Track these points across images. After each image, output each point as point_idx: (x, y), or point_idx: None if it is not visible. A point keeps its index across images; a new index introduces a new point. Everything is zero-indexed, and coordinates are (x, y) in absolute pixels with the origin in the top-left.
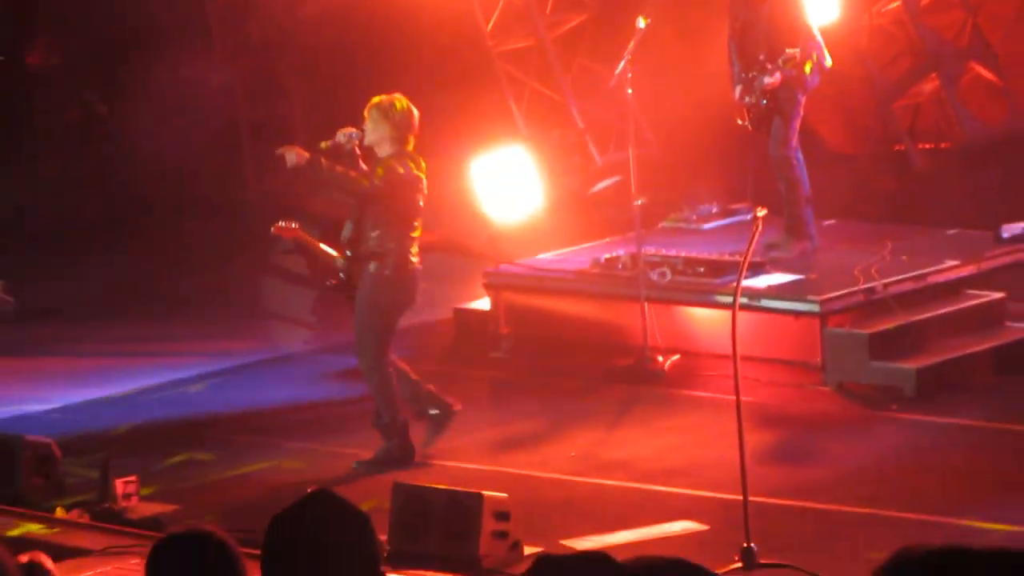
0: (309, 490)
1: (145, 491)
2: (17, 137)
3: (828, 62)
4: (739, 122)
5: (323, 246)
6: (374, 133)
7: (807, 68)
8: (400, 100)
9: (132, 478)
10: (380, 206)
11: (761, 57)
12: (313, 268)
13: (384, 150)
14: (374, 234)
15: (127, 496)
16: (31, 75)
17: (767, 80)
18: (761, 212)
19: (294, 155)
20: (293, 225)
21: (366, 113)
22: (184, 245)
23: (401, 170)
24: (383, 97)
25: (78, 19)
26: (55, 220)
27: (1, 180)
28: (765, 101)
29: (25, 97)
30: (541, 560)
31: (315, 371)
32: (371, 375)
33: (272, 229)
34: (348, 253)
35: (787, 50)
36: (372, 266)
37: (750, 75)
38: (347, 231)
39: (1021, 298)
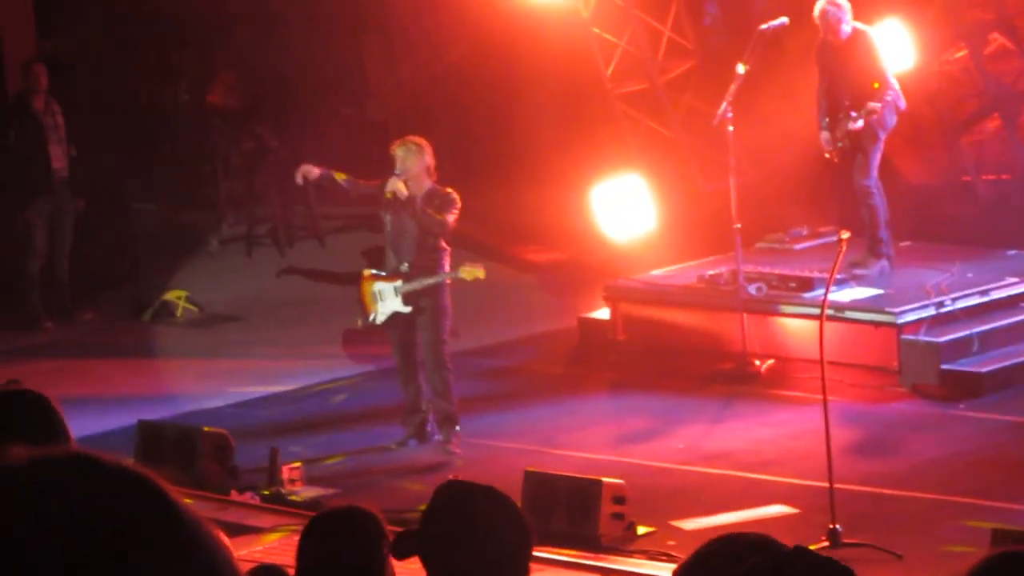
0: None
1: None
2: (199, 165)
3: (903, 104)
4: (826, 155)
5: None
6: (417, 165)
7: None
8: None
9: (297, 465)
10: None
11: (847, 103)
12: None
13: (424, 180)
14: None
15: (292, 481)
16: (211, 112)
17: (851, 126)
18: (845, 235)
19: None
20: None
21: (402, 151)
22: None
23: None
24: (409, 137)
25: (253, 65)
26: (233, 236)
27: (185, 202)
28: (840, 144)
29: (206, 131)
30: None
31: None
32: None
33: None
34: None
35: (869, 104)
36: (433, 280)
37: (839, 117)
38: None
39: None
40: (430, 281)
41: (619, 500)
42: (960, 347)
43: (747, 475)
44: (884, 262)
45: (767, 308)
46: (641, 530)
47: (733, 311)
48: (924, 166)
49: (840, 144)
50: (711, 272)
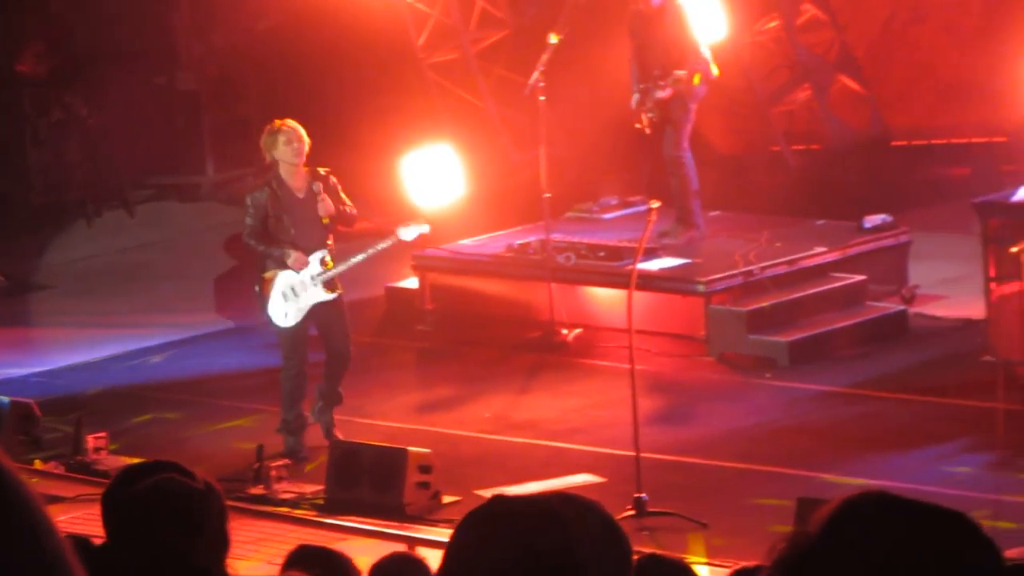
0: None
1: (113, 446)
2: (5, 134)
3: (715, 73)
4: (637, 126)
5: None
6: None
7: (696, 80)
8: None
9: (102, 434)
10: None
11: (655, 73)
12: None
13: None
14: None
15: (97, 450)
16: (19, 81)
17: (659, 94)
18: (655, 204)
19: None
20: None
21: (303, 134)
22: (150, 223)
23: None
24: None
25: (62, 34)
26: (41, 205)
27: None
28: (653, 114)
29: (15, 99)
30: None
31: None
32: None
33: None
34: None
35: (675, 72)
36: (365, 255)
37: (645, 86)
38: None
39: (879, 280)
40: (360, 258)
41: (425, 469)
42: (767, 316)
43: (553, 444)
44: (694, 231)
45: (576, 277)
46: (447, 499)
47: (542, 280)
48: (734, 136)
49: (650, 114)
50: (520, 241)
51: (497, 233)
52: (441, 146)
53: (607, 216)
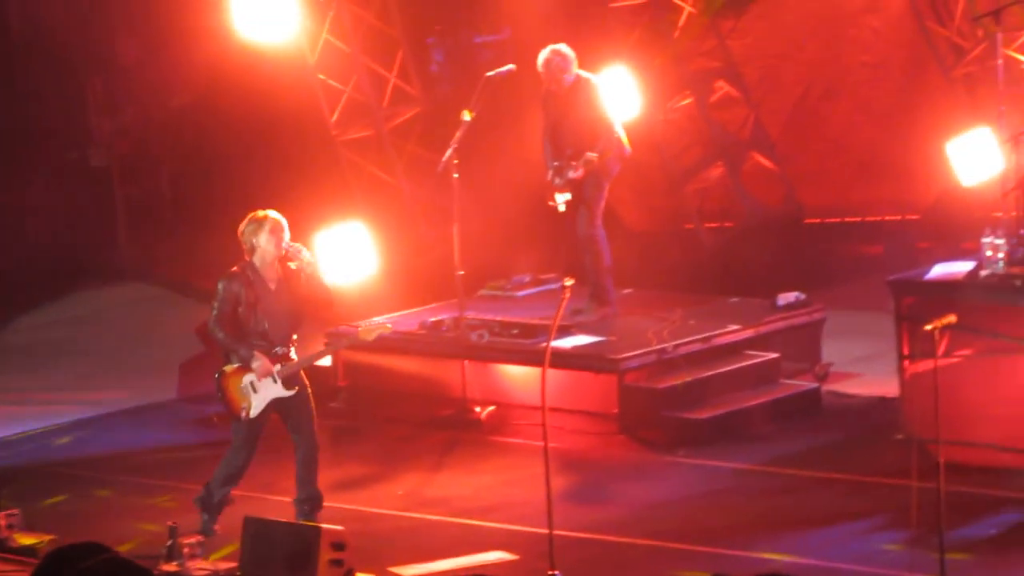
0: None
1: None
2: None
3: (628, 150)
4: (550, 204)
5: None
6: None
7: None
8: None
9: (15, 511)
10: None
11: (568, 152)
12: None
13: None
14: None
15: (10, 527)
16: None
17: (571, 174)
18: (569, 282)
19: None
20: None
21: (286, 226)
22: (64, 303)
23: None
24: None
25: None
26: None
27: None
28: (569, 196)
29: None
30: None
31: (176, 418)
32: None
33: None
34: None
35: (587, 154)
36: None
37: (559, 164)
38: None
39: (793, 358)
40: (320, 354)
41: (338, 546)
42: (681, 394)
43: (466, 521)
44: (608, 309)
45: (489, 355)
46: None
47: (455, 358)
48: (648, 214)
49: (566, 196)
50: (433, 319)
51: (410, 310)
52: (354, 223)
53: (520, 294)
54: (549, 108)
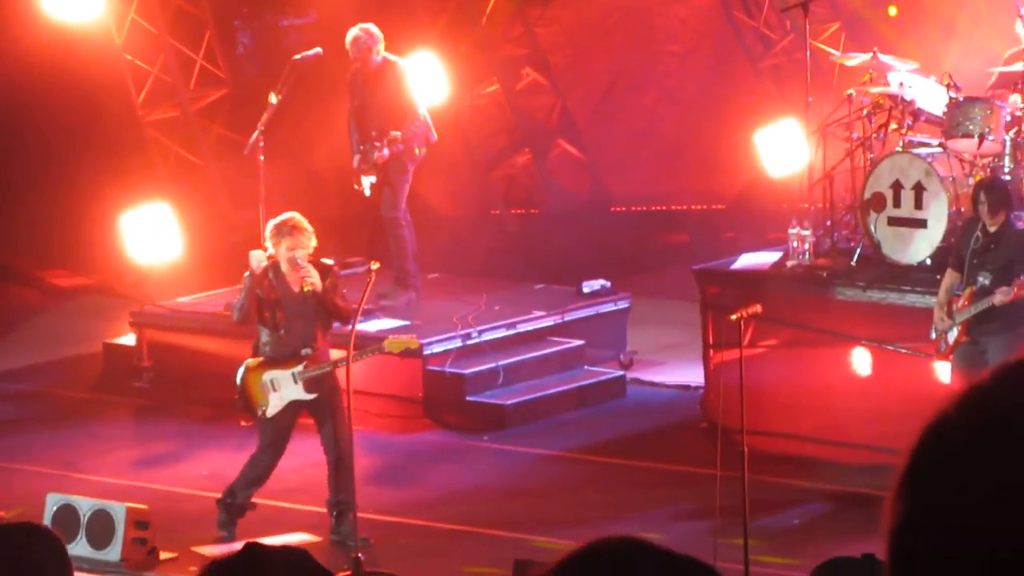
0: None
1: None
2: None
3: (433, 136)
4: (355, 187)
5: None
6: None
7: (416, 151)
8: None
9: None
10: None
11: (373, 133)
12: None
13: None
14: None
15: None
16: None
17: (376, 156)
18: (375, 265)
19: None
20: None
21: (307, 230)
22: None
23: None
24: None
25: None
26: None
27: None
28: (375, 178)
29: None
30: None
31: None
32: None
33: None
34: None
35: (391, 132)
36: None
37: (363, 148)
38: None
39: (598, 345)
40: (342, 361)
41: (142, 525)
42: (485, 379)
43: (271, 502)
44: (412, 293)
45: None
46: (164, 555)
47: None
48: (454, 199)
49: (371, 179)
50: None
51: (215, 291)
52: (159, 204)
53: None
54: (356, 90)
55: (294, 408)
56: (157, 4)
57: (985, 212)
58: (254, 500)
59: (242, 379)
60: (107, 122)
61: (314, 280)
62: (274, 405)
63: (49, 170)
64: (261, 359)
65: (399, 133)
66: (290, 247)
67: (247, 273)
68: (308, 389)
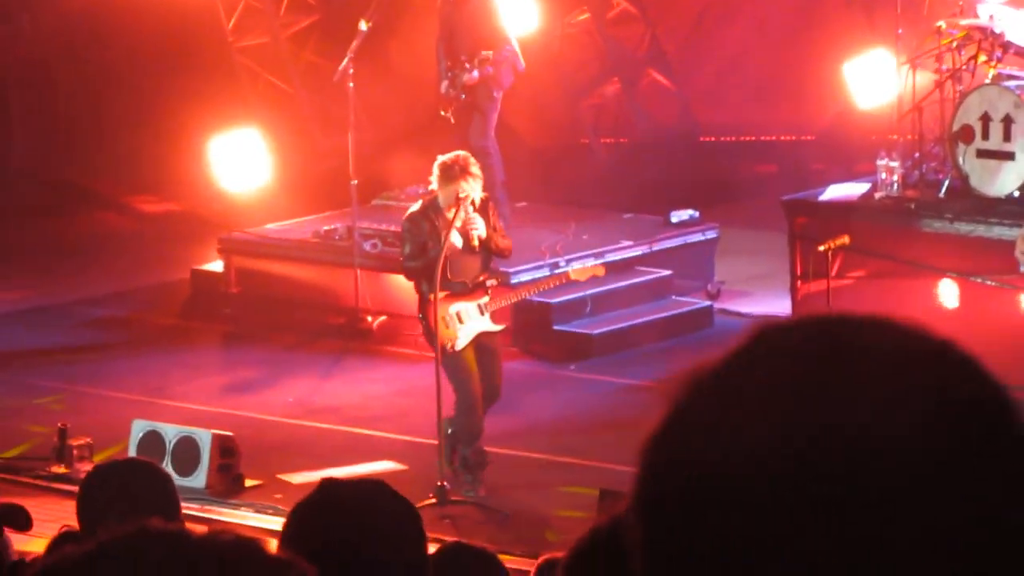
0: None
1: None
2: None
3: (522, 65)
4: (442, 113)
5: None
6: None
7: (508, 47)
8: None
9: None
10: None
11: (463, 58)
12: None
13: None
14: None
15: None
16: None
17: (466, 77)
18: (463, 194)
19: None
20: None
21: (476, 175)
22: None
23: None
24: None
25: None
26: None
27: None
28: (464, 96)
29: None
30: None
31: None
32: None
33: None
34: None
35: (482, 52)
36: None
37: (453, 72)
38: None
39: (686, 275)
40: (527, 292)
41: (227, 452)
42: (573, 308)
43: (356, 430)
44: (501, 222)
45: (382, 265)
46: (249, 483)
47: (347, 267)
48: (542, 128)
49: (463, 96)
50: (326, 227)
51: (303, 219)
52: (248, 130)
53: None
54: (446, 17)
55: (485, 339)
56: None
57: None
58: (485, 449)
59: (424, 315)
60: (197, 48)
61: (480, 231)
62: (464, 336)
63: (139, 96)
64: (444, 293)
65: (490, 53)
66: (441, 180)
67: (404, 223)
68: (495, 321)
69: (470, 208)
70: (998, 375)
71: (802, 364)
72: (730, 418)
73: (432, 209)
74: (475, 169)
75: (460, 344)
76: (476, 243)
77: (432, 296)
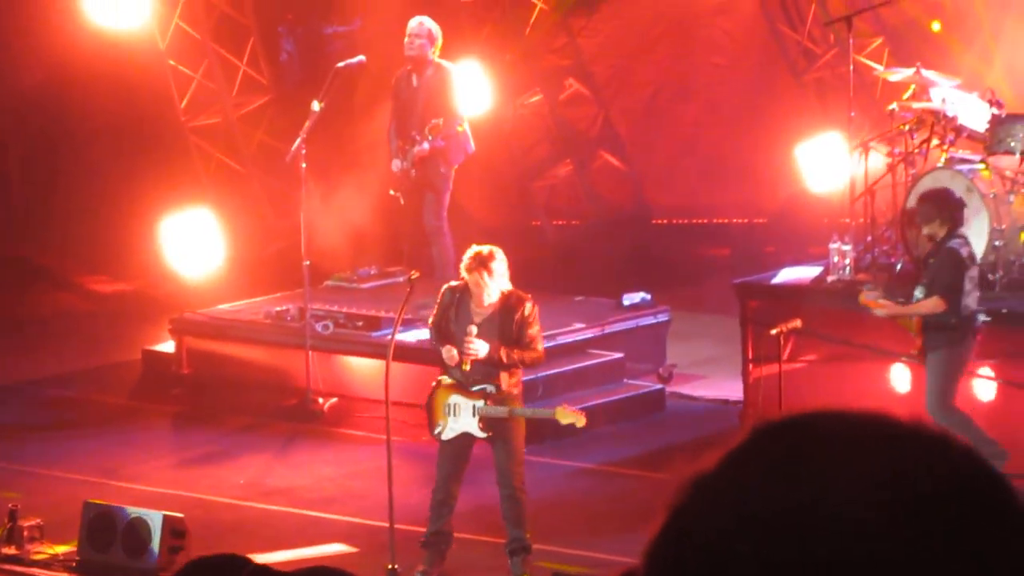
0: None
1: None
2: None
3: (471, 147)
4: (391, 192)
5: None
6: (495, 285)
7: (461, 127)
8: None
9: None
10: None
11: (414, 132)
12: None
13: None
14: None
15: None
16: None
17: (417, 149)
18: (414, 275)
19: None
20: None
21: (492, 270)
22: None
23: None
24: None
25: None
26: None
27: None
28: (415, 171)
29: None
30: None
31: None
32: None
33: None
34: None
35: (432, 120)
36: (522, 413)
37: (405, 148)
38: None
39: (638, 358)
40: (519, 414)
41: (178, 534)
42: (525, 391)
43: (307, 512)
44: None
45: (333, 346)
46: None
47: (299, 348)
48: (495, 209)
49: (413, 172)
50: (278, 308)
51: (255, 299)
52: (201, 210)
53: (366, 286)
54: (400, 92)
55: (468, 439)
56: (202, 10)
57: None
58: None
59: (431, 393)
60: (150, 128)
61: (476, 355)
62: (450, 430)
63: (91, 175)
64: (451, 381)
65: (440, 120)
66: (467, 271)
67: (443, 288)
68: (483, 428)
69: (473, 330)
70: (974, 453)
71: (779, 456)
72: (718, 518)
73: (461, 291)
74: (495, 265)
75: (445, 436)
76: (467, 367)
77: (444, 381)
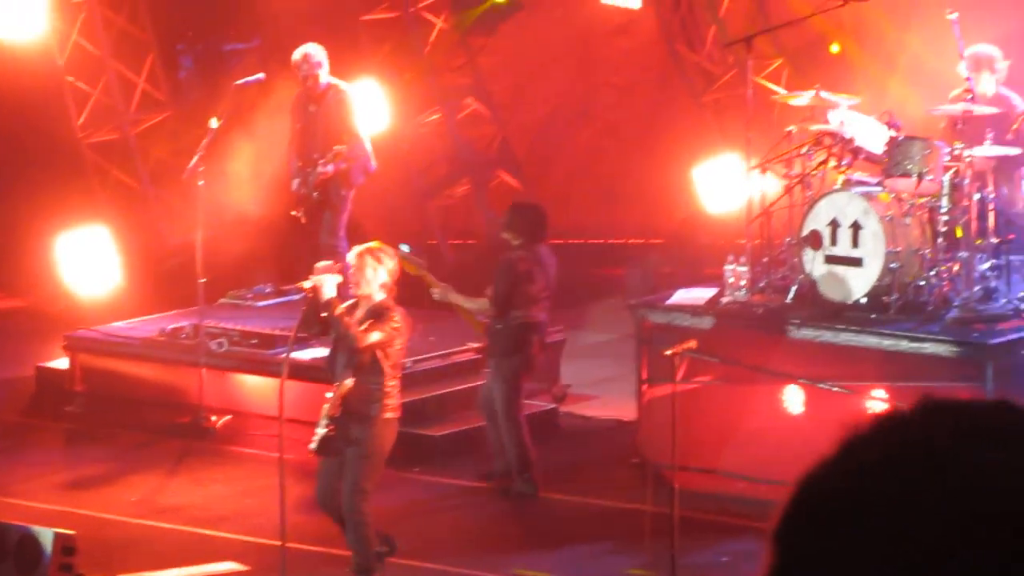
0: None
1: None
2: None
3: (373, 165)
4: (293, 213)
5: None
6: (376, 279)
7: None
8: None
9: None
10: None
11: (316, 155)
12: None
13: (378, 296)
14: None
15: None
16: None
17: (319, 171)
18: (307, 283)
19: (333, 287)
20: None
21: (363, 259)
22: None
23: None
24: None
25: None
26: None
27: None
28: (316, 193)
29: None
30: None
31: None
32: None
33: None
34: None
35: (335, 147)
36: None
37: (306, 170)
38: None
39: (531, 378)
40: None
41: (68, 551)
42: (418, 410)
43: (199, 530)
44: None
45: (227, 364)
46: None
47: (193, 365)
48: (391, 228)
49: (315, 194)
50: (173, 326)
51: (150, 316)
52: (97, 227)
53: (261, 304)
54: (299, 113)
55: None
56: (100, 26)
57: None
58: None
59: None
60: (46, 143)
61: (321, 281)
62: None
63: None
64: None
65: (343, 147)
66: (358, 266)
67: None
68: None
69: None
70: None
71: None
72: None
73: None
74: (386, 260)
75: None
76: (307, 287)
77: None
